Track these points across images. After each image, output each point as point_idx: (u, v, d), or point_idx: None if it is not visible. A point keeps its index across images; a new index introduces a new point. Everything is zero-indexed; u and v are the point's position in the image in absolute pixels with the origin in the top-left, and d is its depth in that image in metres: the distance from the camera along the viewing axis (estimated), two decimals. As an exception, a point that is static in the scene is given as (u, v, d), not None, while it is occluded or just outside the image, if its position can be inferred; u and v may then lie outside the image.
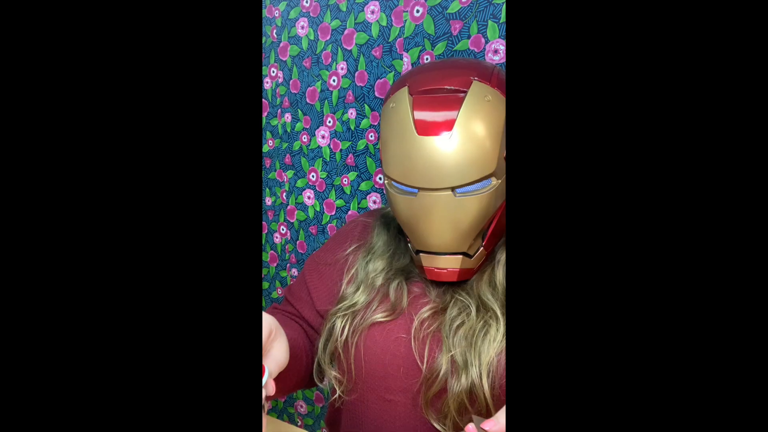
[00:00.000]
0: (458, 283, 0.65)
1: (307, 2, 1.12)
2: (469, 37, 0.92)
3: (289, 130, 1.22)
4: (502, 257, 0.64)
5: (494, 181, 0.56)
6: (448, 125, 0.55)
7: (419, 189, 0.57)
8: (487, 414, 0.60)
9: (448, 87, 0.57)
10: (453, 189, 0.55)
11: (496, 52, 0.89)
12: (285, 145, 1.23)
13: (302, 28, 1.14)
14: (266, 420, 0.68)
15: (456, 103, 0.56)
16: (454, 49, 0.93)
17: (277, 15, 1.18)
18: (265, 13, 1.20)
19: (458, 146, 0.54)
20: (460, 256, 0.59)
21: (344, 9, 1.06)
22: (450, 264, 0.59)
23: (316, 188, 1.19)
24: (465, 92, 0.57)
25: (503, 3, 0.87)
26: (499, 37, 0.88)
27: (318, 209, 1.21)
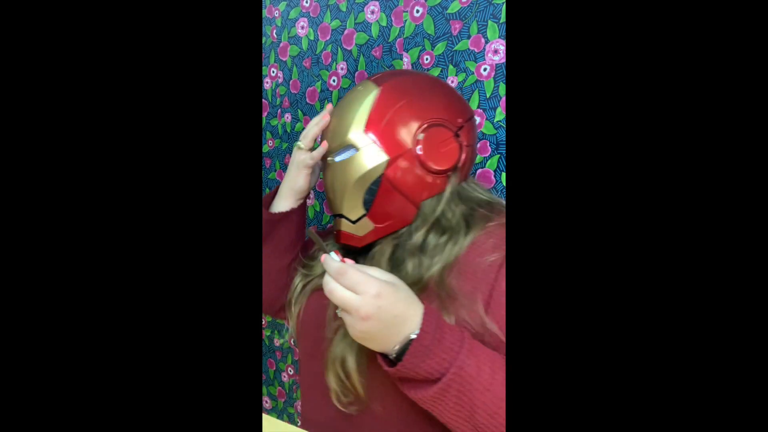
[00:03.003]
0: (361, 252, 0.72)
1: (307, 2, 1.12)
2: (469, 37, 0.91)
3: (289, 130, 1.22)
4: (411, 240, 0.66)
5: (355, 152, 0.67)
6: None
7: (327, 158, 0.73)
8: (356, 394, 0.63)
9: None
10: (332, 155, 0.70)
11: (496, 52, 0.89)
12: (285, 145, 1.23)
13: (302, 28, 1.14)
14: (266, 420, 0.68)
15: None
16: (455, 49, 0.93)
17: (277, 15, 1.18)
18: (265, 13, 1.20)
19: (331, 122, 0.72)
20: (343, 219, 0.70)
21: (344, 9, 1.06)
22: (340, 225, 0.71)
23: (316, 188, 1.19)
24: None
25: (503, 3, 0.87)
26: (499, 37, 0.88)
27: (318, 209, 1.21)
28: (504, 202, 0.71)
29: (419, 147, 0.64)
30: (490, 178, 0.92)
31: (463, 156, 0.66)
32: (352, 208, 0.68)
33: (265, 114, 1.25)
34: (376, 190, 0.66)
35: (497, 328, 0.57)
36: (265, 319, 1.33)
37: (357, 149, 0.67)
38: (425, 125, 0.64)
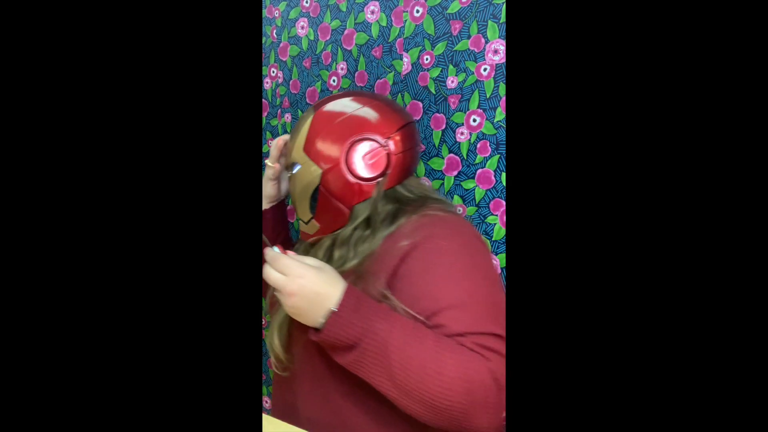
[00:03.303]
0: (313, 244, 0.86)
1: (307, 2, 1.12)
2: (469, 37, 0.92)
3: (288, 130, 1.22)
4: (339, 234, 0.79)
5: (300, 167, 0.82)
6: None
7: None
8: (283, 361, 0.78)
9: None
10: (289, 170, 0.85)
11: (496, 52, 0.89)
12: (285, 145, 1.23)
13: (302, 28, 1.14)
14: (266, 420, 0.68)
15: None
16: (455, 49, 0.93)
17: (277, 15, 1.18)
18: (265, 13, 1.20)
19: (288, 141, 0.88)
20: (300, 221, 0.86)
21: (344, 9, 1.06)
22: (300, 226, 0.87)
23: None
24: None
25: (503, 3, 0.87)
26: (499, 37, 0.88)
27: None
28: (436, 196, 0.83)
29: (348, 160, 0.76)
30: (490, 178, 0.92)
31: (393, 163, 0.76)
32: (303, 212, 0.84)
33: (265, 114, 1.25)
34: (317, 197, 0.80)
35: (400, 303, 0.68)
36: (265, 319, 1.33)
37: (300, 165, 0.82)
38: (352, 140, 0.76)
